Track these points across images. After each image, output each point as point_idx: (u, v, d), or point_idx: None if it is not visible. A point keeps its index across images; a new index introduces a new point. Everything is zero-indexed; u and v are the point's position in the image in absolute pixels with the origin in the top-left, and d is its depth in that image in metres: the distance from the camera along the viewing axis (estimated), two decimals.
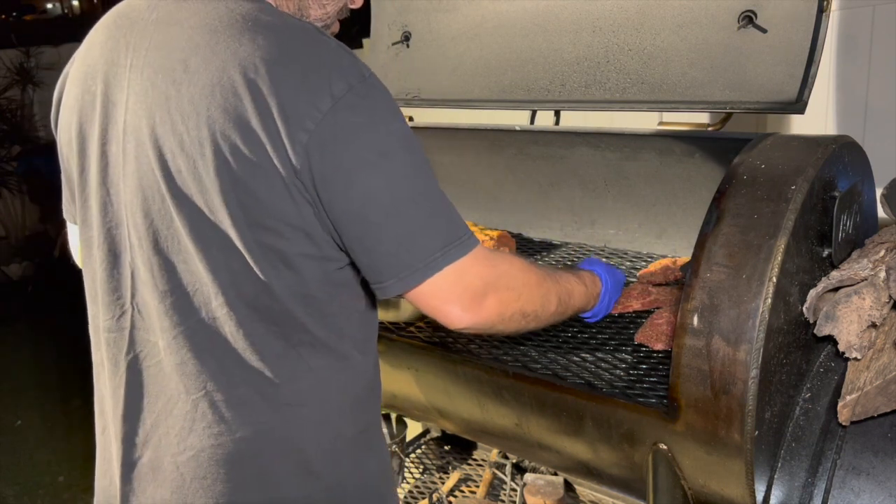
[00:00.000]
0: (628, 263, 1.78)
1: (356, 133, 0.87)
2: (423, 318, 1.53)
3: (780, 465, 1.16)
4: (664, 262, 1.70)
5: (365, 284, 1.00)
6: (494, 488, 2.11)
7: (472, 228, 1.66)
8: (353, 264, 0.97)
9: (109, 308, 1.04)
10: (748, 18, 1.47)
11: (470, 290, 0.94)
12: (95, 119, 1.01)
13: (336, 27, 1.12)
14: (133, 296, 1.01)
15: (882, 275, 1.14)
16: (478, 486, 2.11)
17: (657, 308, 1.50)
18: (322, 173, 0.86)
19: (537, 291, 1.06)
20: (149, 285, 0.99)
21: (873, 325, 1.12)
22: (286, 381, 0.98)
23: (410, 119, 2.03)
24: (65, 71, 1.12)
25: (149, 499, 1.01)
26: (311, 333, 0.97)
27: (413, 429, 2.38)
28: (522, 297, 1.02)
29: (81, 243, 1.09)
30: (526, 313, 1.04)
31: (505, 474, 2.10)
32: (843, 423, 1.09)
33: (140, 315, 1.01)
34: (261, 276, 0.92)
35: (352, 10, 1.12)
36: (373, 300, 1.08)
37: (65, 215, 1.22)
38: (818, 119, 2.27)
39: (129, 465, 1.02)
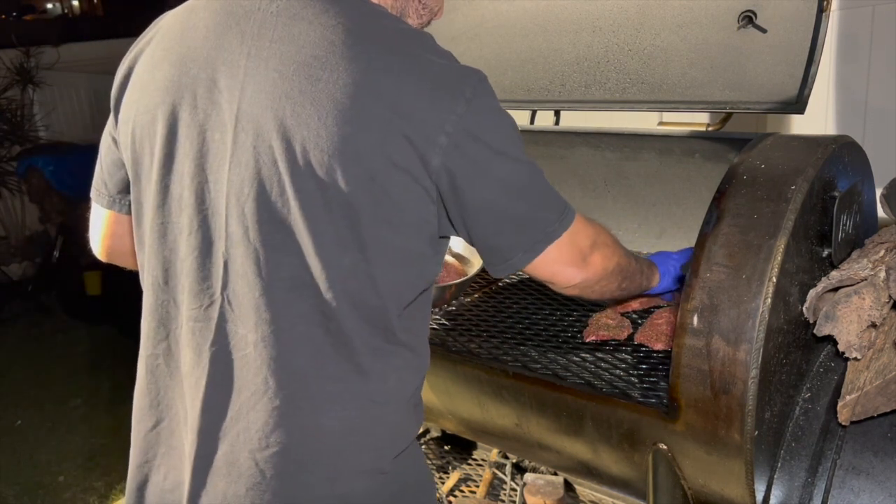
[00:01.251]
0: None
1: (486, 131, 0.95)
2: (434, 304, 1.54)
3: (779, 464, 1.16)
4: None
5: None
6: (494, 488, 2.10)
7: None
8: (437, 260, 1.04)
9: (197, 297, 1.00)
10: (748, 18, 1.47)
11: (580, 250, 1.06)
12: (196, 104, 0.99)
13: None
14: (224, 286, 0.99)
15: (882, 275, 1.14)
16: (478, 486, 2.11)
17: (657, 308, 1.50)
18: (460, 171, 0.93)
19: (623, 248, 1.17)
20: (247, 277, 0.96)
21: (873, 325, 1.12)
22: (376, 379, 0.99)
23: None
24: (134, 51, 1.09)
25: (220, 494, 0.98)
26: (398, 332, 1.01)
27: None
28: (617, 252, 1.14)
29: (149, 229, 1.05)
30: (622, 267, 1.15)
31: (505, 474, 2.10)
32: (843, 423, 1.09)
33: (230, 307, 0.99)
34: (371, 272, 0.95)
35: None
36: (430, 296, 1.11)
37: (96, 197, 1.19)
38: (818, 119, 2.27)
39: (203, 458, 1.00)
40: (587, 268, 1.08)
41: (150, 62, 1.05)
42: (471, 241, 1.03)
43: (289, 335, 0.96)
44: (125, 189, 1.13)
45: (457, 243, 1.72)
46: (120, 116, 1.08)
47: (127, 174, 1.10)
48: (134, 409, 1.09)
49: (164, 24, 1.07)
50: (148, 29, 1.10)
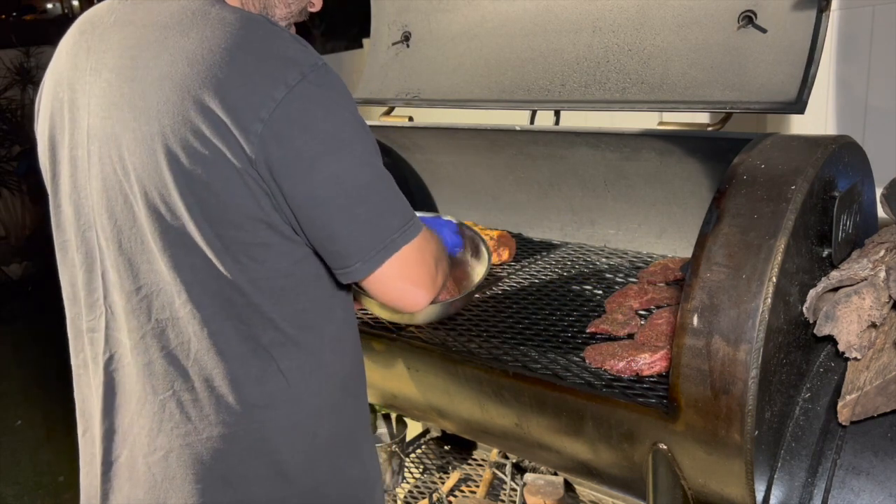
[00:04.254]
0: (628, 263, 1.78)
1: (313, 121, 0.87)
2: (439, 319, 1.52)
3: (780, 464, 1.16)
4: (664, 262, 1.70)
5: (337, 280, 1.00)
6: (494, 488, 2.11)
7: (474, 228, 1.67)
8: (318, 255, 0.98)
9: (91, 309, 1.05)
10: (748, 18, 1.47)
11: (428, 269, 0.98)
12: (64, 125, 1.02)
13: (293, 30, 1.10)
14: (105, 296, 1.02)
15: (882, 275, 1.14)
16: (478, 486, 2.11)
17: (657, 308, 1.50)
18: (280, 162, 0.86)
19: (445, 252, 1.11)
20: (117, 286, 0.99)
21: (873, 325, 1.12)
22: (254, 381, 0.96)
23: (410, 119, 2.03)
24: (42, 82, 1.12)
25: (125, 497, 1.02)
26: (282, 331, 0.96)
27: (413, 429, 2.37)
28: (446, 261, 1.08)
29: (56, 247, 1.09)
30: (447, 273, 1.09)
31: (505, 474, 2.10)
32: (843, 423, 1.09)
33: (112, 315, 1.02)
34: (223, 270, 0.91)
35: (318, 13, 1.12)
36: (348, 297, 1.07)
37: None
38: (818, 119, 2.27)
39: (108, 463, 1.04)
40: (434, 287, 0.99)
41: (44, 91, 1.09)
42: (310, 244, 0.95)
43: (158, 341, 0.97)
44: None
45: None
46: (38, 145, 1.12)
47: None
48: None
49: (55, 54, 1.11)
50: None
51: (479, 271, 1.58)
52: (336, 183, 0.89)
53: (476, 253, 1.61)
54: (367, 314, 1.60)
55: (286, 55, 0.87)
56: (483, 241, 1.62)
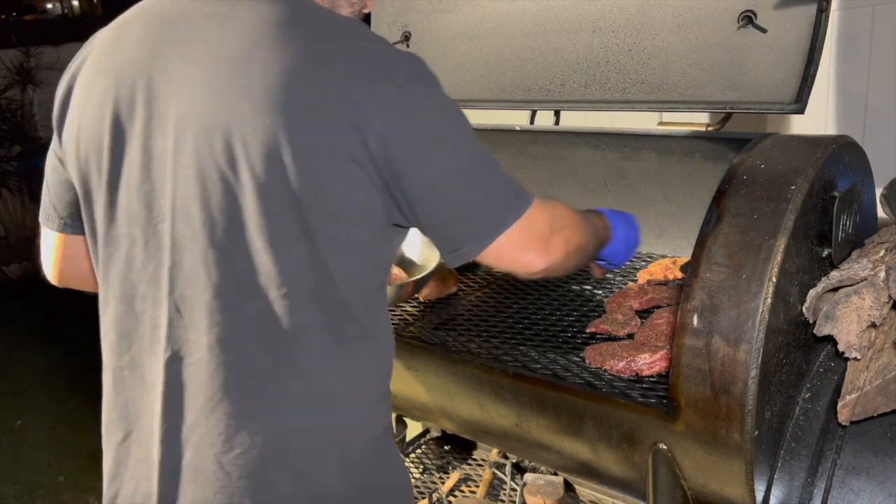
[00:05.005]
0: (628, 263, 1.78)
1: (426, 115, 0.94)
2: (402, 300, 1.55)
3: (779, 464, 1.16)
4: (664, 262, 1.70)
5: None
6: (494, 488, 2.11)
7: None
8: (388, 249, 1.03)
9: (154, 305, 1.01)
10: (748, 18, 1.47)
11: (541, 235, 1.03)
12: (136, 113, 0.99)
13: None
14: (171, 292, 0.98)
15: (882, 275, 1.14)
16: (478, 486, 2.11)
17: (657, 308, 1.51)
18: (400, 158, 0.92)
19: (583, 224, 1.15)
20: (196, 281, 0.96)
21: (873, 325, 1.12)
22: (340, 374, 0.99)
23: None
24: (71, 69, 1.09)
25: (190, 499, 0.98)
26: (361, 324, 1.00)
27: (413, 429, 2.38)
28: (578, 232, 1.12)
29: (102, 242, 1.05)
30: (581, 246, 1.13)
31: (505, 474, 2.10)
32: (843, 423, 1.09)
33: (179, 313, 0.98)
34: (326, 264, 0.94)
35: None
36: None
37: (45, 221, 1.17)
38: (818, 119, 2.27)
39: (168, 466, 0.99)
40: (549, 253, 1.05)
41: (87, 79, 1.05)
42: (422, 230, 1.01)
43: (244, 336, 0.96)
44: (76, 210, 1.12)
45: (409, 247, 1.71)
46: (63, 136, 1.08)
47: (76, 194, 1.09)
48: (103, 421, 1.09)
49: (97, 42, 1.08)
50: (82, 48, 1.10)
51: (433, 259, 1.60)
52: (452, 170, 0.96)
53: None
54: None
55: (393, 56, 0.94)
56: None
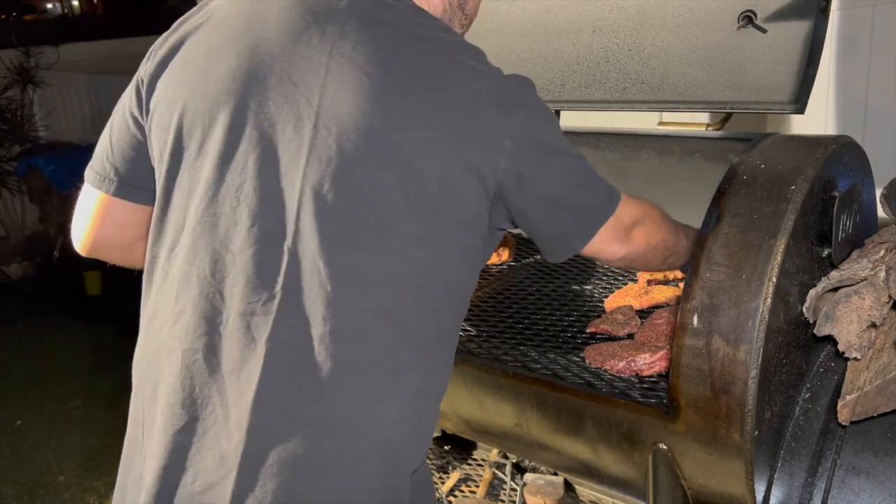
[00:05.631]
0: None
1: (544, 132, 1.02)
2: None
3: (779, 464, 1.16)
4: None
5: None
6: (494, 488, 2.10)
7: None
8: (490, 252, 1.11)
9: (255, 291, 0.96)
10: (748, 18, 1.47)
11: (624, 228, 1.11)
12: (269, 96, 0.98)
13: None
14: (285, 281, 0.95)
15: (882, 275, 1.14)
16: (478, 486, 2.11)
17: (657, 308, 1.50)
18: (525, 170, 1.00)
19: (671, 224, 1.21)
20: (317, 272, 0.94)
21: (873, 325, 1.12)
22: (423, 372, 1.02)
23: None
24: (181, 30, 1.06)
25: (270, 493, 0.93)
26: (441, 326, 1.04)
27: None
28: (662, 228, 1.18)
29: (196, 220, 1.00)
30: (667, 243, 1.19)
31: (505, 474, 2.10)
32: (843, 423, 1.09)
33: (292, 302, 0.95)
34: (443, 267, 1.00)
35: None
36: None
37: (96, 182, 1.10)
38: (818, 119, 2.27)
39: (252, 457, 0.94)
40: (629, 243, 1.12)
41: (207, 48, 1.02)
42: (529, 233, 1.09)
43: (357, 329, 0.96)
44: (142, 176, 1.07)
45: None
46: (155, 98, 1.04)
47: (147, 159, 1.05)
48: (144, 405, 1.03)
49: (220, 12, 1.05)
50: (193, 11, 1.08)
51: None
52: (565, 178, 1.04)
53: None
54: None
55: (516, 80, 1.02)
56: None
